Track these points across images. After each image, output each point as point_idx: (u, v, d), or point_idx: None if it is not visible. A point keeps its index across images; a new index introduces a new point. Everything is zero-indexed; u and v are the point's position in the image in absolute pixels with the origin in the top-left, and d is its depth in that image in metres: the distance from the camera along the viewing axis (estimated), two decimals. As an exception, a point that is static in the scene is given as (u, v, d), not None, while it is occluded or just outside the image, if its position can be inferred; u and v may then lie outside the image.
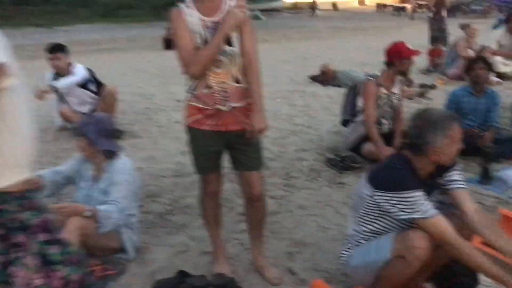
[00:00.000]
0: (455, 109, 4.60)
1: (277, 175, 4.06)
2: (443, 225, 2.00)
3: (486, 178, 3.91)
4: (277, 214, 3.37)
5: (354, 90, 4.56)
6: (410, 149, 2.11)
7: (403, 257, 2.04)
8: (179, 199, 3.64)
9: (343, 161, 4.23)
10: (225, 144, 2.43)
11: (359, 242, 2.25)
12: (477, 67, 4.50)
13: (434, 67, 8.69)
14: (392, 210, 2.06)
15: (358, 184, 2.22)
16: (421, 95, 6.71)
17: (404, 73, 4.32)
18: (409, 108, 6.23)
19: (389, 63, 4.23)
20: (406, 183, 2.03)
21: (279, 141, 4.92)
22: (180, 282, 2.34)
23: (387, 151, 4.07)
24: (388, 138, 4.34)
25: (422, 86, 7.13)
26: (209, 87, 2.31)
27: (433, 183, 2.18)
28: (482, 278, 2.23)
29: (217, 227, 2.67)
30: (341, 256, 2.32)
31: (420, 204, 2.01)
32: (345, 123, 4.66)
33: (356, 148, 4.44)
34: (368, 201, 2.12)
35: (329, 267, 2.66)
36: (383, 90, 4.25)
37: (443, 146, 2.02)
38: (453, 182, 2.20)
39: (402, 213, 2.04)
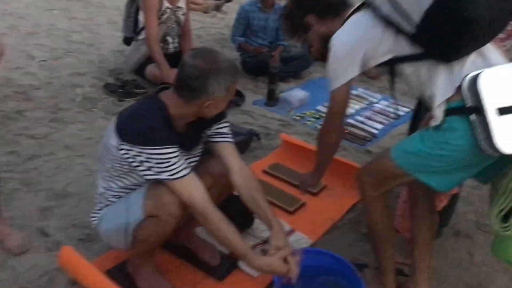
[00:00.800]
0: (245, 25, 4.37)
1: (42, 108, 3.36)
2: (192, 188, 1.69)
3: (271, 99, 3.83)
4: (35, 158, 2.76)
5: (135, 2, 3.93)
6: (179, 92, 1.68)
7: (156, 216, 1.71)
8: None
9: (124, 86, 3.71)
10: None
11: (109, 200, 1.83)
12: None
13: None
14: (139, 168, 1.68)
15: (106, 130, 1.75)
16: (217, 8, 6.37)
17: (187, -16, 3.86)
18: (204, 23, 5.91)
19: (171, -28, 3.71)
20: (157, 138, 1.63)
21: (50, 64, 4.11)
22: None
23: (173, 73, 3.68)
24: (174, 58, 3.92)
25: (219, -2, 6.79)
26: None
27: (194, 135, 1.85)
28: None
29: None
30: (91, 219, 1.89)
31: (171, 164, 1.65)
32: (127, 41, 4.06)
33: (140, 70, 3.95)
34: (115, 153, 1.69)
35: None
36: (166, 4, 3.74)
37: (219, 98, 1.67)
38: (220, 135, 1.90)
39: (149, 172, 1.67)
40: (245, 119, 3.54)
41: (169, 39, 3.90)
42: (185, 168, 1.68)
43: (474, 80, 1.45)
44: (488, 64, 1.54)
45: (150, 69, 3.79)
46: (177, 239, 2.11)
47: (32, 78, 3.78)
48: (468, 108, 1.47)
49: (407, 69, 1.64)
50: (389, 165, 1.70)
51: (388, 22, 1.60)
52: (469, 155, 1.53)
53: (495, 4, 1.43)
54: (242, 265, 2.08)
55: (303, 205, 2.57)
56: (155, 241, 1.82)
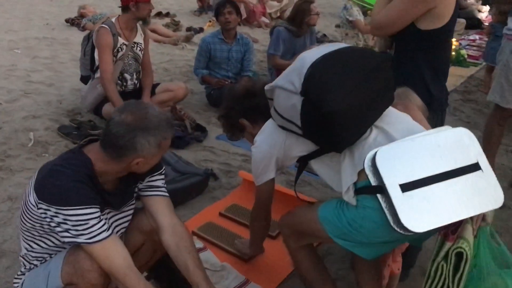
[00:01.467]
0: (207, 57, 4.25)
1: (-10, 155, 3.18)
2: (111, 253, 1.52)
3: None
4: (-28, 214, 2.57)
5: (90, 39, 3.79)
6: (105, 149, 1.54)
7: (75, 285, 1.53)
8: None
9: (79, 128, 3.55)
10: None
11: (31, 263, 1.66)
12: (225, 11, 4.15)
13: (207, 7, 8.35)
14: (57, 229, 1.51)
15: (27, 187, 1.58)
16: (187, 39, 6.27)
17: (144, 19, 3.74)
18: (172, 55, 5.81)
19: (124, 7, 3.59)
20: (74, 198, 1.48)
21: (4, 108, 3.94)
22: None
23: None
24: (134, 96, 3.78)
25: (189, 29, 6.70)
26: None
27: (125, 191, 1.70)
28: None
29: None
30: (14, 284, 1.71)
31: (89, 226, 1.49)
32: (84, 79, 3.92)
33: (97, 109, 3.78)
34: (34, 211, 1.52)
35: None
36: (122, 40, 3.61)
37: (149, 155, 1.55)
38: (151, 189, 1.74)
39: (66, 234, 1.50)
40: (206, 156, 3.38)
41: (127, 76, 3.76)
42: (105, 231, 1.51)
43: (373, 159, 1.40)
44: (390, 140, 1.51)
45: (106, 108, 3.63)
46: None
47: (-17, 124, 3.61)
48: (373, 187, 1.40)
49: (314, 164, 1.69)
50: (314, 225, 1.63)
51: (285, 129, 1.65)
52: (387, 232, 1.43)
53: (356, 90, 1.46)
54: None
55: (261, 252, 2.39)
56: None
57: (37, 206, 1.49)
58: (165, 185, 1.76)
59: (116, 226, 1.70)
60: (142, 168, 1.59)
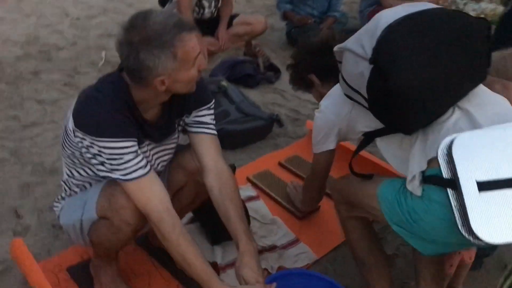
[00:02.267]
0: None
1: (60, 70, 3.16)
2: (148, 193, 1.37)
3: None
4: (34, 126, 2.57)
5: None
6: (127, 73, 1.35)
7: (109, 219, 1.43)
8: None
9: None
10: None
11: (72, 190, 1.57)
12: None
13: None
14: (93, 161, 1.38)
15: (67, 111, 1.46)
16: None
17: None
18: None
19: None
20: (109, 129, 1.31)
21: (81, 23, 3.91)
22: None
23: (206, 42, 3.36)
24: (210, 24, 3.60)
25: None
26: None
27: (167, 123, 1.50)
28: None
29: None
30: (54, 208, 1.65)
31: (124, 161, 1.34)
32: (162, 2, 3.76)
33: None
34: (72, 138, 1.40)
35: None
36: (202, -37, 3.39)
37: (170, 70, 1.28)
38: (198, 125, 1.54)
39: (102, 167, 1.37)
40: (275, 99, 3.15)
41: (205, 3, 3.55)
42: (141, 168, 1.36)
43: (450, 147, 1.15)
44: (474, 125, 1.27)
45: (180, 35, 3.47)
46: (153, 238, 1.82)
47: (58, 37, 3.60)
48: (445, 180, 1.16)
49: (380, 143, 1.48)
50: (371, 202, 1.43)
51: (351, 99, 1.46)
52: (451, 233, 1.18)
53: (436, 62, 1.24)
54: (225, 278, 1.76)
55: (316, 210, 2.18)
56: (109, 246, 1.54)
57: (74, 133, 1.36)
58: (213, 122, 1.56)
59: (157, 158, 1.55)
60: (174, 88, 1.34)
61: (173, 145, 1.58)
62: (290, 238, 2.02)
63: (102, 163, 1.35)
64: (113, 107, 1.32)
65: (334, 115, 1.60)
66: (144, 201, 1.35)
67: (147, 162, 1.39)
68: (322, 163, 1.74)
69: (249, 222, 2.00)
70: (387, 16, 1.29)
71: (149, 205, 1.35)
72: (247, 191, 2.28)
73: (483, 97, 1.33)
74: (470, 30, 1.28)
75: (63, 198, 1.61)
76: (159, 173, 1.63)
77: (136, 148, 1.35)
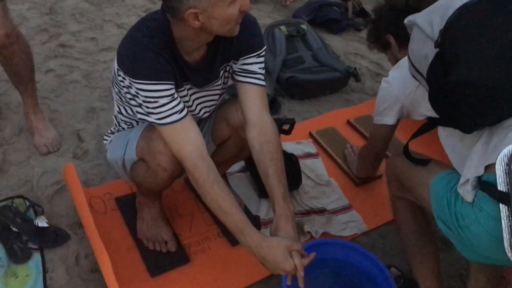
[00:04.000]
0: None
1: (144, -5, 3.14)
2: (183, 138, 1.29)
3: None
4: (110, 50, 2.59)
5: None
6: (166, 8, 1.24)
7: (146, 162, 1.41)
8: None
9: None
10: None
11: (120, 125, 1.57)
12: None
13: None
14: (132, 103, 1.34)
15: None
16: None
17: None
18: None
19: None
20: (144, 70, 1.24)
21: None
22: None
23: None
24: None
25: None
26: None
27: (211, 67, 1.39)
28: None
29: None
30: (103, 140, 1.66)
31: (159, 104, 1.27)
32: None
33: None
34: (117, 77, 1.36)
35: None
36: None
37: (203, 4, 1.16)
38: (244, 73, 1.41)
39: (139, 109, 1.32)
40: (358, 49, 2.91)
41: None
42: (177, 112, 1.30)
43: (511, 157, 0.99)
44: None
45: (268, -31, 3.28)
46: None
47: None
48: (499, 193, 1.01)
49: (443, 131, 1.31)
50: (422, 191, 1.30)
51: (416, 79, 1.29)
52: (496, 249, 1.03)
53: (509, 63, 1.02)
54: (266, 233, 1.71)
55: (376, 178, 2.03)
56: (149, 187, 1.54)
57: (117, 72, 1.32)
58: (262, 72, 1.43)
59: (199, 104, 1.48)
60: (210, 26, 1.22)
61: (217, 92, 1.49)
62: (343, 204, 1.91)
63: (139, 105, 1.30)
64: (151, 47, 1.24)
65: (399, 90, 1.45)
66: (179, 147, 1.30)
67: (184, 107, 1.31)
68: (379, 136, 1.63)
69: (300, 181, 1.92)
70: None
71: (184, 151, 1.29)
72: (307, 146, 2.18)
73: None
74: None
75: (112, 133, 1.61)
76: (202, 121, 1.57)
77: (172, 91, 1.28)
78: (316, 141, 2.20)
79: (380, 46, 1.74)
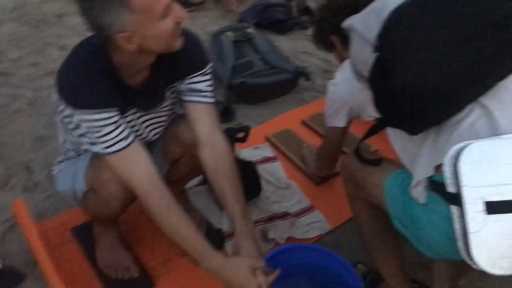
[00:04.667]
0: None
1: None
2: (131, 165, 1.26)
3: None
4: (54, 75, 2.51)
5: None
6: (98, 36, 1.20)
7: (96, 191, 1.36)
8: None
9: None
10: None
11: (66, 154, 1.51)
12: None
13: None
14: (75, 132, 1.29)
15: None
16: None
17: None
18: None
19: None
20: (85, 99, 1.19)
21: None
22: None
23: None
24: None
25: None
26: None
27: (153, 89, 1.36)
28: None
29: None
30: (51, 171, 1.60)
31: (104, 133, 1.23)
32: None
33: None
34: (58, 107, 1.30)
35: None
36: None
37: (135, 24, 1.11)
38: (192, 93, 1.38)
39: (84, 139, 1.28)
40: (306, 47, 2.93)
41: None
42: (123, 139, 1.25)
43: (457, 157, 0.96)
44: (495, 130, 1.03)
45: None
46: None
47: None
48: (449, 194, 0.98)
49: (390, 131, 1.28)
50: (377, 192, 1.28)
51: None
52: (454, 250, 1.00)
53: (454, 54, 1.00)
54: (229, 247, 1.69)
55: (336, 175, 2.04)
56: (102, 216, 1.50)
57: (57, 102, 1.27)
58: (210, 89, 1.40)
59: (147, 127, 1.45)
60: (148, 45, 1.16)
61: (165, 113, 1.46)
62: (304, 205, 1.91)
63: (83, 135, 1.26)
64: (90, 74, 1.19)
65: (346, 93, 1.47)
66: (128, 175, 1.26)
67: (130, 132, 1.27)
68: (332, 137, 1.64)
69: (260, 188, 1.91)
70: None
71: (133, 178, 1.25)
72: (264, 151, 2.17)
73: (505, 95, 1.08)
74: (504, 13, 1.01)
75: (60, 162, 1.55)
76: (152, 142, 1.53)
77: (116, 118, 1.24)
78: (273, 144, 2.20)
79: (326, 46, 1.74)
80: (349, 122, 1.60)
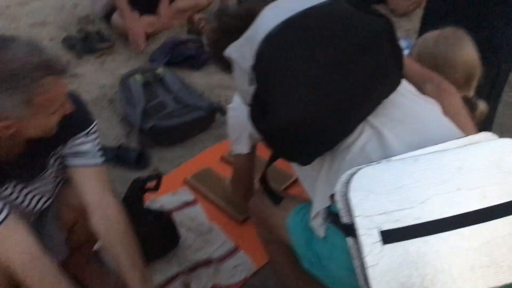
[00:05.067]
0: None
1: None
2: (5, 245, 1.14)
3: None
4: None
5: None
6: None
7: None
8: None
9: (85, 39, 3.12)
10: None
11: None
12: None
13: None
14: None
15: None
16: None
17: None
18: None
19: None
20: None
21: (11, 12, 3.58)
22: None
23: (138, 23, 3.07)
24: (150, 3, 3.27)
25: None
26: None
27: (31, 160, 1.26)
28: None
29: None
30: None
31: None
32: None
33: (109, 17, 3.33)
34: None
35: None
36: None
37: (19, 116, 1.06)
38: (75, 156, 1.30)
39: None
40: (221, 80, 2.87)
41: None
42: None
43: (347, 186, 0.89)
44: (386, 151, 0.98)
45: (115, 17, 3.16)
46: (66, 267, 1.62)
47: (-16, 30, 3.29)
48: (343, 225, 0.92)
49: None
50: (283, 232, 1.24)
51: None
52: (355, 282, 0.94)
53: (331, 81, 0.96)
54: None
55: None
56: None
57: None
58: (95, 149, 1.32)
59: (33, 197, 1.34)
60: (26, 134, 1.14)
61: (51, 180, 1.35)
62: (228, 248, 1.83)
63: None
64: None
65: (245, 117, 1.38)
66: (4, 255, 1.14)
67: (2, 208, 1.16)
68: (240, 165, 1.58)
69: (179, 238, 1.81)
70: (267, 17, 1.03)
71: (10, 258, 1.14)
72: (183, 195, 2.07)
73: (402, 108, 1.07)
74: (373, 32, 1.00)
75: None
76: (45, 210, 1.41)
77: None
78: (192, 187, 2.11)
79: (225, 67, 1.68)
80: (253, 147, 1.53)
